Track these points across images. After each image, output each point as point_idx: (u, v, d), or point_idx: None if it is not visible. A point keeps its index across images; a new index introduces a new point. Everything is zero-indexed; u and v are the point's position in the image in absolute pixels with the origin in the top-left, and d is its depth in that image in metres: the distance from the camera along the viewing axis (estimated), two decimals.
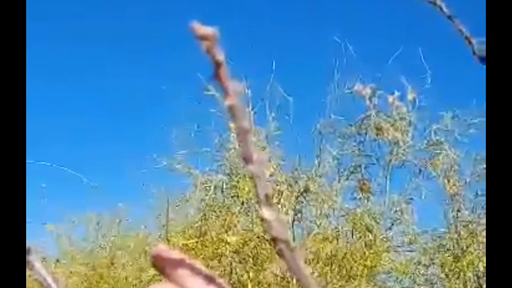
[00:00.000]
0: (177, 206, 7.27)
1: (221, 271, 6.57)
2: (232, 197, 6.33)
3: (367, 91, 5.87)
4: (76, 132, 11.94)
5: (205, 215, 6.57)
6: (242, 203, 6.18)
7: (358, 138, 6.37)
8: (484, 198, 5.99)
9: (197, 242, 6.48)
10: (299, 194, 6.38)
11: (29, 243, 0.74)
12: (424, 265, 6.45)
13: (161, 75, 10.72)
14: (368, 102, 5.95)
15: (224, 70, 0.45)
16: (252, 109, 6.56)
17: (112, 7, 12.58)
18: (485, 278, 5.98)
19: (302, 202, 6.44)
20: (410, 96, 6.14)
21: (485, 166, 5.66)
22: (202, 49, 0.44)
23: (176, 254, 0.64)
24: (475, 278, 6.29)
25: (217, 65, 0.45)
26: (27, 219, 0.98)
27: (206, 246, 6.56)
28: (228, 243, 6.22)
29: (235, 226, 6.48)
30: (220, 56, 0.44)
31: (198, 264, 0.61)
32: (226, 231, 6.47)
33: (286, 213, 6.12)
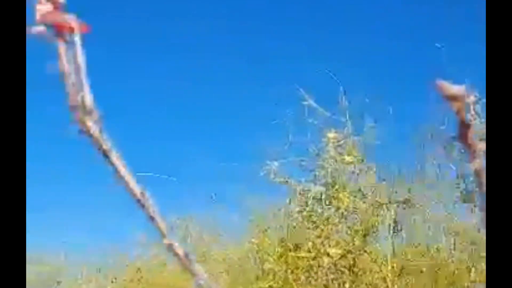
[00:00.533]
0: (274, 216, 7.25)
1: (318, 282, 6.50)
2: (328, 207, 6.24)
3: (471, 98, 5.66)
4: (166, 137, 12.10)
5: (303, 225, 6.52)
6: (342, 215, 6.08)
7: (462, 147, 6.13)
8: None
9: (295, 252, 6.43)
10: (399, 204, 6.24)
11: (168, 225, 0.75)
12: None
13: (259, 83, 10.71)
14: (471, 110, 5.73)
15: (472, 131, 0.40)
16: (349, 118, 6.48)
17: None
18: None
19: (402, 213, 6.29)
20: None
21: None
22: (450, 108, 0.39)
23: None
24: None
25: (465, 126, 0.40)
26: None
27: (303, 257, 6.51)
28: (328, 255, 6.14)
29: (333, 237, 6.39)
30: (469, 117, 0.40)
31: None
32: (322, 242, 6.39)
33: (388, 223, 6.00)
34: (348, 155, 6.07)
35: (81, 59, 0.94)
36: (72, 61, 0.94)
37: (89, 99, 0.89)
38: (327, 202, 6.17)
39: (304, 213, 6.26)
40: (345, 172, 6.22)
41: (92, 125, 0.86)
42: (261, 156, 6.92)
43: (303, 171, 6.81)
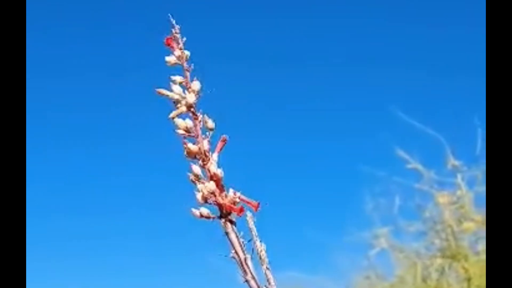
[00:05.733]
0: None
1: None
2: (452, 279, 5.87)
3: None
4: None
5: None
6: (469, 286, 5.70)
7: None
8: None
9: None
10: None
11: None
12: None
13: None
14: None
15: None
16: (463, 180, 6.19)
17: None
18: None
19: None
20: None
21: None
22: None
23: None
24: None
25: None
26: None
27: None
28: None
29: None
30: None
31: None
32: None
33: None
34: (466, 220, 5.74)
35: (259, 245, 0.87)
36: (242, 243, 0.88)
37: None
38: (451, 274, 5.82)
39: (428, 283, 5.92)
40: (464, 239, 5.87)
41: None
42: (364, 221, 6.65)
43: (413, 238, 6.50)
